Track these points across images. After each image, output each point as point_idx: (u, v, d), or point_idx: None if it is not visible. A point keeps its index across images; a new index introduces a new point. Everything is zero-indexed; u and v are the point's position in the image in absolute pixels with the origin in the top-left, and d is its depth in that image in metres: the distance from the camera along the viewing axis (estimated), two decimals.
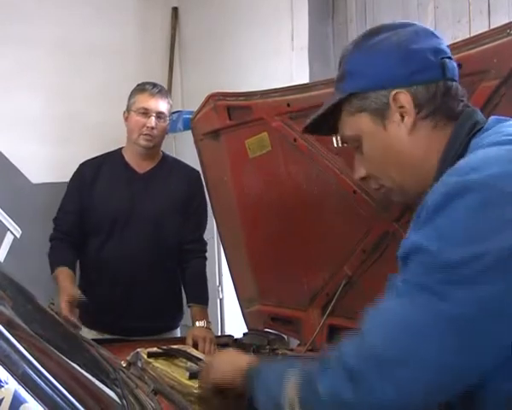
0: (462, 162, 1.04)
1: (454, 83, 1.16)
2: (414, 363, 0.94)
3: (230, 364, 1.32)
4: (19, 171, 3.75)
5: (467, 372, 0.95)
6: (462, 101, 1.17)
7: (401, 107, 1.14)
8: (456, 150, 1.11)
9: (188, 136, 2.72)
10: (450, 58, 1.17)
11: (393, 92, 1.14)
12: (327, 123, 1.27)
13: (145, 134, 2.47)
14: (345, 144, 1.43)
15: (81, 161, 2.61)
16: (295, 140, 2.11)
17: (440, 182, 1.02)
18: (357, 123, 1.19)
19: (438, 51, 1.16)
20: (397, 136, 1.16)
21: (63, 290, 2.24)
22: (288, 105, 2.10)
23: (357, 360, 0.99)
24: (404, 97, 1.13)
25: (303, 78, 3.30)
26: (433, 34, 1.19)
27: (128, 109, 2.52)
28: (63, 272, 2.38)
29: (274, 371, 1.19)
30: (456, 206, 0.95)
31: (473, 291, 0.92)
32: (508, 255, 0.91)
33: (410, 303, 0.98)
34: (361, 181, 1.29)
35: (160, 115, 2.48)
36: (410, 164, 1.17)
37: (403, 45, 1.15)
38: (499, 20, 2.43)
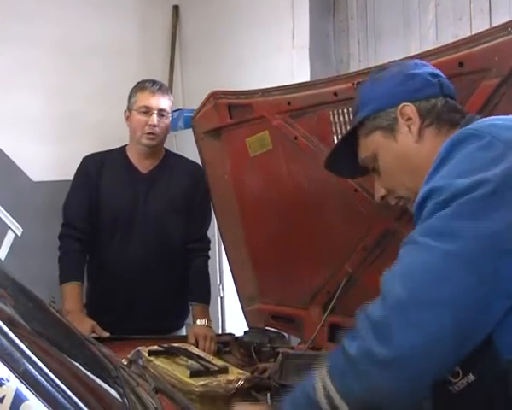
0: None
1: (452, 100, 1.33)
2: (435, 304, 0.99)
3: None
4: (20, 169, 3.75)
5: (486, 309, 0.99)
6: (461, 113, 1.32)
7: (408, 119, 1.31)
8: None
9: (189, 134, 2.71)
10: (447, 80, 1.36)
11: (400, 106, 1.31)
12: (350, 161, 1.45)
13: (148, 133, 2.45)
14: None
15: (81, 160, 2.60)
16: (296, 138, 2.11)
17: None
18: (371, 142, 1.37)
19: (435, 75, 1.35)
20: (406, 144, 1.32)
21: (80, 323, 2.15)
22: (289, 103, 2.10)
23: (380, 313, 1.04)
24: (410, 109, 1.31)
25: (304, 76, 3.29)
26: (430, 65, 1.40)
27: (129, 108, 2.51)
28: (72, 293, 2.37)
29: (298, 388, 1.17)
30: (459, 150, 1.10)
31: (478, 223, 1.00)
32: (504, 183, 1.02)
33: (423, 250, 1.04)
34: (381, 201, 1.43)
35: (161, 113, 2.47)
36: (419, 168, 1.25)
37: (404, 71, 1.36)
38: (500, 19, 2.43)
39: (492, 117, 1.24)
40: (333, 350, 1.15)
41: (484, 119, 1.23)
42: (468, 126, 1.16)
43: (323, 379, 1.08)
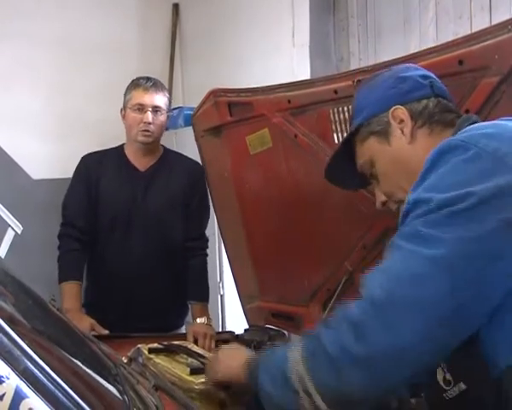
0: None
1: (444, 100, 1.33)
2: (411, 306, 1.00)
3: (234, 359, 1.36)
4: (20, 167, 3.75)
5: (464, 316, 1.00)
6: (454, 113, 1.33)
7: (400, 122, 1.31)
8: None
9: (188, 132, 2.71)
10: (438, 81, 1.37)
11: (391, 110, 1.32)
12: (350, 171, 1.46)
13: (142, 130, 2.45)
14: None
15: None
16: (296, 136, 2.11)
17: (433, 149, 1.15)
18: (366, 148, 1.38)
19: (426, 76, 1.36)
20: (400, 147, 1.32)
21: (79, 321, 2.15)
22: (289, 101, 2.10)
23: (358, 312, 1.06)
24: (401, 111, 1.32)
25: (304, 74, 3.29)
26: (421, 68, 1.42)
27: (124, 107, 2.51)
28: (71, 292, 2.38)
29: (275, 353, 1.23)
30: (446, 160, 1.09)
31: (460, 231, 1.01)
32: (488, 198, 1.01)
33: (404, 253, 1.07)
34: (382, 207, 1.42)
35: (156, 109, 2.46)
36: (415, 170, 1.23)
37: (394, 75, 1.38)
38: (500, 17, 2.43)
39: (486, 123, 1.22)
40: (308, 333, 1.18)
41: (477, 125, 1.21)
42: (457, 136, 1.15)
43: (297, 361, 1.11)
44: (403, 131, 1.31)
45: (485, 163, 1.05)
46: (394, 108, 1.32)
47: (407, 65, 1.44)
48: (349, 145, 1.44)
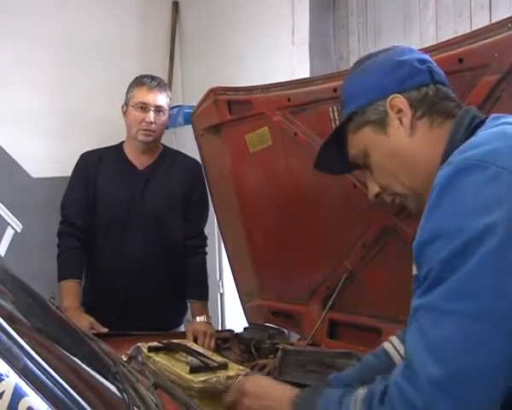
0: (464, 144, 1.09)
1: (444, 86, 1.25)
2: (475, 374, 0.93)
3: (268, 397, 1.30)
4: (19, 165, 3.75)
5: None
6: (454, 101, 1.25)
7: (398, 111, 1.23)
8: (457, 145, 1.12)
9: (188, 130, 2.71)
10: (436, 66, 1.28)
11: (389, 98, 1.23)
12: (340, 159, 1.37)
13: (144, 129, 2.44)
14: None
15: None
16: (296, 134, 2.11)
17: (446, 163, 1.06)
18: (360, 138, 1.28)
19: (423, 60, 1.27)
20: (398, 138, 1.23)
21: (78, 319, 2.16)
22: (289, 99, 2.10)
23: (419, 397, 0.96)
24: (400, 100, 1.23)
25: (304, 72, 3.29)
26: (417, 51, 1.33)
27: (126, 104, 2.50)
28: (70, 291, 2.38)
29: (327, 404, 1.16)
30: (463, 182, 0.99)
31: (504, 277, 0.93)
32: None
33: (448, 317, 0.96)
34: (376, 199, 1.34)
35: (158, 109, 2.45)
36: (413, 163, 1.22)
37: (390, 59, 1.27)
38: (500, 15, 2.43)
39: (490, 135, 1.09)
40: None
41: (481, 138, 1.09)
42: (468, 154, 1.02)
43: None
44: (401, 122, 1.23)
45: (507, 181, 0.96)
46: (392, 96, 1.23)
47: (403, 47, 1.33)
48: (340, 134, 1.35)
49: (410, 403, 0.97)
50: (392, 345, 1.48)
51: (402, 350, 1.45)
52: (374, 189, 1.32)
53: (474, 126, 1.16)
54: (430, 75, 1.25)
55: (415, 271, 1.09)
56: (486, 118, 1.18)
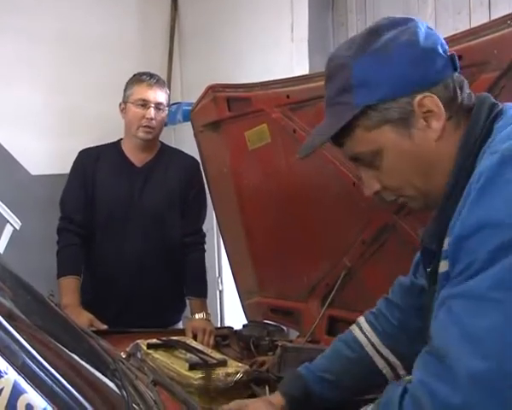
0: (502, 134, 1.01)
1: (460, 75, 1.12)
2: None
3: None
4: (18, 163, 3.75)
5: None
6: (468, 89, 1.13)
7: (427, 111, 1.06)
8: (476, 136, 1.06)
9: (187, 127, 2.71)
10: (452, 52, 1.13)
11: (418, 97, 1.06)
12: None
13: (144, 126, 2.44)
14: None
15: None
16: (295, 131, 2.11)
17: (487, 155, 0.98)
18: (376, 137, 1.10)
19: (443, 44, 1.10)
20: (423, 142, 1.08)
21: (77, 316, 2.16)
22: (288, 97, 2.10)
23: (456, 396, 0.88)
24: (432, 101, 1.06)
25: (303, 69, 3.29)
26: (429, 28, 1.13)
27: (125, 101, 2.50)
28: (70, 287, 2.37)
29: None
30: (510, 172, 0.92)
31: None
32: None
33: (491, 307, 0.88)
34: (374, 196, 1.19)
35: (158, 106, 2.46)
36: (434, 168, 1.09)
37: (414, 45, 1.07)
38: (499, 12, 2.43)
39: None
40: None
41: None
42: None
43: None
44: (429, 124, 1.07)
45: None
46: (424, 95, 1.05)
47: (419, 26, 1.11)
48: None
49: (443, 402, 0.89)
50: (362, 331, 1.45)
51: (371, 336, 1.43)
52: (373, 186, 1.17)
53: (494, 115, 1.08)
54: (453, 66, 1.09)
55: (443, 268, 1.02)
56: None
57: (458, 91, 1.09)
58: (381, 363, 1.41)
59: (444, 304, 0.95)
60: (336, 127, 1.11)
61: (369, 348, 1.42)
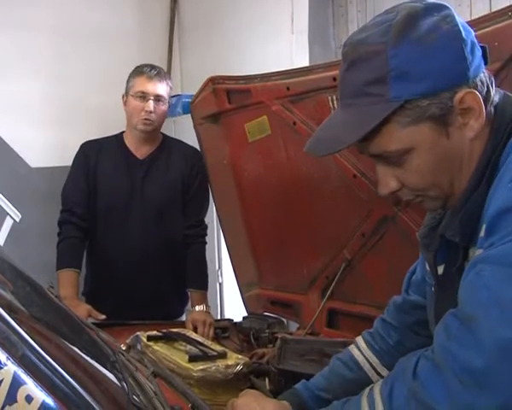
0: None
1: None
2: None
3: None
4: (18, 155, 3.74)
5: None
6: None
7: (465, 108, 0.99)
8: (503, 131, 1.03)
9: (187, 120, 2.71)
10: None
11: (461, 93, 0.98)
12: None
13: (144, 118, 2.44)
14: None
15: (79, 146, 2.60)
16: (295, 123, 2.11)
17: None
18: (412, 135, 1.00)
19: (474, 38, 1.03)
20: (459, 142, 1.01)
21: (75, 308, 2.12)
22: (288, 88, 2.10)
23: (481, 359, 0.85)
24: (474, 98, 0.99)
25: (303, 61, 3.28)
26: (464, 21, 1.04)
27: (126, 93, 2.49)
28: (68, 280, 2.37)
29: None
30: None
31: None
32: None
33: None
34: (388, 195, 1.11)
35: (158, 98, 2.44)
36: (466, 169, 1.04)
37: (457, 36, 0.99)
38: (500, 4, 2.42)
39: None
40: (387, 387, 1.00)
41: None
42: None
43: None
44: (465, 122, 1.00)
45: None
46: (466, 91, 0.98)
47: (453, 13, 1.02)
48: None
49: (464, 364, 0.87)
50: (360, 351, 1.42)
51: (369, 356, 1.40)
52: (390, 185, 1.07)
53: None
54: (485, 60, 1.03)
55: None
56: None
57: (490, 87, 1.03)
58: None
59: (474, 267, 0.91)
60: (374, 121, 1.00)
61: (366, 368, 1.39)
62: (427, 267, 1.21)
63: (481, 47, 1.03)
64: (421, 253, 1.26)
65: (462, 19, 1.03)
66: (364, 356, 1.41)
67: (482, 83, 1.01)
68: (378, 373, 1.39)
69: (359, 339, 1.45)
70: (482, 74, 1.01)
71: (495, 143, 1.02)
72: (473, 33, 1.02)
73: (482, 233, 0.95)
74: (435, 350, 0.94)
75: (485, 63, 1.03)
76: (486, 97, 1.01)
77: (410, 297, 1.38)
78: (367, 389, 1.07)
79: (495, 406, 0.85)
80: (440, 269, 1.14)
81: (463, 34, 0.99)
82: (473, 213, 1.01)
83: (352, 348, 1.44)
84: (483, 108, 1.00)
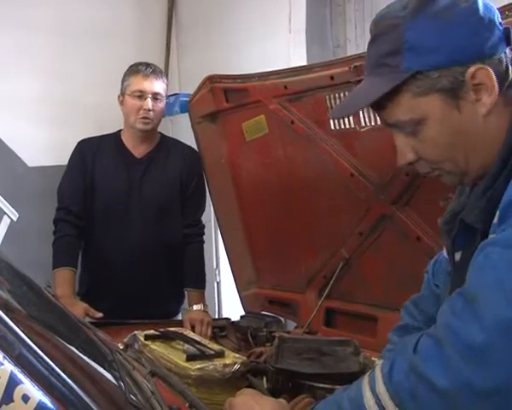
0: None
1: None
2: None
3: None
4: (15, 154, 3.74)
5: None
6: None
7: (478, 84, 1.02)
8: None
9: (185, 119, 2.70)
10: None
11: (473, 68, 1.01)
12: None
13: (142, 117, 2.43)
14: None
15: None
16: (292, 122, 2.10)
17: None
18: (423, 105, 1.04)
19: (498, 16, 1.05)
20: (471, 117, 1.04)
21: (72, 307, 2.10)
22: (286, 87, 2.10)
23: (481, 335, 0.87)
24: (486, 74, 1.01)
25: (300, 60, 3.28)
26: (490, 4, 1.06)
27: (122, 93, 2.48)
28: (64, 279, 2.36)
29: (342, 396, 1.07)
30: None
31: None
32: None
33: None
34: (407, 166, 1.14)
35: (156, 96, 2.44)
36: (481, 146, 1.05)
37: (474, 13, 1.02)
38: (500, 2, 2.41)
39: None
40: (388, 363, 1.00)
41: None
42: None
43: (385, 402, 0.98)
44: (479, 97, 1.02)
45: None
46: (478, 66, 1.00)
47: None
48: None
49: (465, 340, 0.88)
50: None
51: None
52: (407, 156, 1.11)
53: None
54: (507, 41, 1.04)
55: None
56: None
57: (510, 68, 1.04)
58: None
59: (483, 250, 0.93)
60: (383, 90, 1.05)
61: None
62: (445, 254, 1.21)
63: (505, 28, 1.05)
64: (442, 239, 1.25)
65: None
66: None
67: (500, 62, 1.03)
68: None
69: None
70: (503, 54, 1.03)
71: None
72: (496, 13, 1.04)
73: (496, 220, 0.97)
74: (438, 327, 0.95)
75: (508, 44, 1.05)
76: (505, 77, 1.03)
77: (437, 289, 1.35)
78: (370, 370, 1.07)
79: (492, 386, 0.86)
80: (457, 256, 1.15)
81: (481, 11, 1.02)
82: (495, 199, 1.01)
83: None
84: (495, 85, 1.01)
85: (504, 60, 1.03)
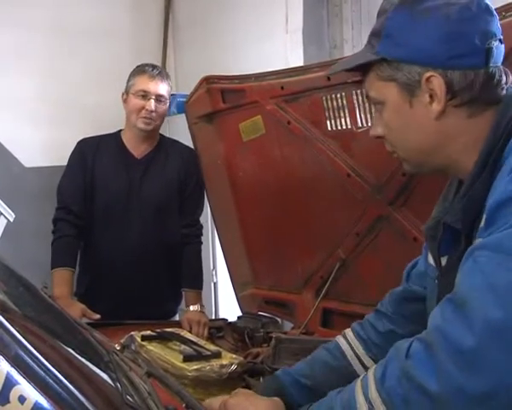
0: None
1: (497, 69, 1.09)
2: None
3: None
4: (12, 155, 3.73)
5: None
6: (505, 85, 1.10)
7: (431, 89, 1.08)
8: (504, 124, 1.06)
9: (182, 119, 2.70)
10: (500, 41, 1.09)
11: (427, 74, 1.07)
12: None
13: (144, 117, 2.44)
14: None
15: (74, 145, 2.59)
16: (289, 123, 2.11)
17: None
18: (383, 89, 1.14)
19: (486, 34, 1.07)
20: (422, 117, 1.11)
21: (69, 307, 2.13)
22: (282, 88, 2.10)
23: (470, 340, 0.87)
24: (437, 82, 1.07)
25: (297, 60, 3.27)
26: (486, 10, 1.09)
27: (127, 91, 2.49)
28: (62, 279, 2.36)
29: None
30: None
31: None
32: None
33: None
34: (376, 138, 1.21)
35: (159, 98, 2.45)
36: (429, 146, 1.12)
37: (452, 22, 1.06)
38: (498, 2, 2.42)
39: None
40: (380, 368, 1.01)
41: None
42: None
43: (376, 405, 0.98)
44: (431, 103, 1.08)
45: None
46: (431, 73, 1.06)
47: (470, 2, 1.08)
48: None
49: (456, 343, 0.88)
50: (347, 340, 1.42)
51: (355, 345, 1.40)
52: (377, 129, 1.19)
53: None
54: (485, 58, 1.06)
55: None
56: None
57: (481, 85, 1.06)
58: (362, 372, 1.34)
59: (471, 254, 0.95)
60: (355, 62, 1.20)
61: (351, 357, 1.39)
62: (430, 261, 1.23)
63: (487, 49, 1.06)
64: (427, 244, 1.27)
65: (489, 12, 1.09)
66: (350, 345, 1.41)
67: (465, 77, 1.06)
68: (362, 363, 1.39)
69: (348, 329, 1.46)
70: (471, 71, 1.06)
71: (497, 134, 1.05)
72: (485, 29, 1.07)
73: (482, 224, 0.98)
74: (429, 332, 0.95)
75: (486, 63, 1.06)
76: (467, 91, 1.06)
77: (412, 287, 1.39)
78: (362, 374, 1.08)
79: (484, 391, 0.86)
80: (444, 260, 1.16)
81: (459, 26, 1.06)
82: (475, 200, 1.04)
83: (339, 337, 1.45)
84: (443, 97, 1.07)
85: (472, 76, 1.06)
